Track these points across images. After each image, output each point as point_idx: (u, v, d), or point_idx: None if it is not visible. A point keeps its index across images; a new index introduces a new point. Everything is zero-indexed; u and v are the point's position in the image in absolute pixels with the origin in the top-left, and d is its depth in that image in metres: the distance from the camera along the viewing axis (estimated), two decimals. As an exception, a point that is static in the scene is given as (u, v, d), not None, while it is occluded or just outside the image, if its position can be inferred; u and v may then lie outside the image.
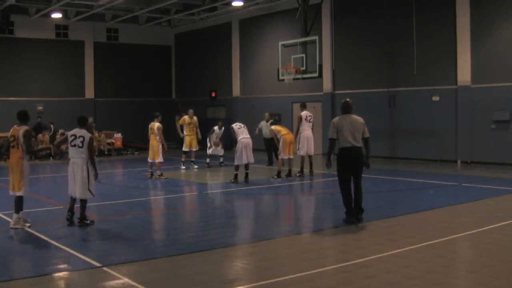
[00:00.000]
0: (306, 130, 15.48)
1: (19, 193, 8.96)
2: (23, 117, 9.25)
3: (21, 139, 8.92)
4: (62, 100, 27.19)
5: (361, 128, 9.15)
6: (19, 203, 8.98)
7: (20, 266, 7.05)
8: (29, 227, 8.93)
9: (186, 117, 18.50)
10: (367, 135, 9.19)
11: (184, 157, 18.45)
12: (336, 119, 9.29)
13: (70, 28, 27.70)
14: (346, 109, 9.31)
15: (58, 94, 27.23)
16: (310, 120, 15.65)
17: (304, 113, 15.59)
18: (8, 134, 9.29)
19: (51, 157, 22.67)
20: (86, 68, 28.43)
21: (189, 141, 18.29)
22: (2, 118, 24.71)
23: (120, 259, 6.97)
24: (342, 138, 9.05)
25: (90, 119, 24.50)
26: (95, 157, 9.41)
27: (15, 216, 8.96)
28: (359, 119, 9.27)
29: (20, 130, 9.00)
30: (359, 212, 9.18)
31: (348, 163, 9.11)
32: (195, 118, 18.59)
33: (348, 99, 9.54)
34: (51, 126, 24.57)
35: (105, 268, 6.56)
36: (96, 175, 9.26)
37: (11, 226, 8.94)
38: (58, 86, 27.40)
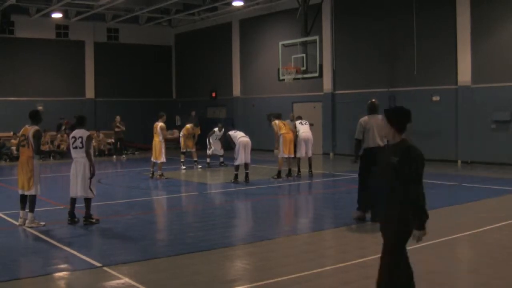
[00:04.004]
0: (304, 133, 15.51)
1: (30, 192, 9.00)
2: (33, 117, 9.26)
3: (31, 139, 8.97)
4: (62, 100, 27.20)
5: None
6: (32, 202, 9.03)
7: (20, 266, 7.05)
8: (43, 225, 9.00)
9: (189, 127, 18.49)
10: None
11: (183, 158, 18.47)
12: (364, 119, 9.28)
13: (70, 28, 27.71)
14: (373, 109, 9.37)
15: (58, 94, 27.24)
16: (305, 124, 15.74)
17: (297, 121, 15.77)
18: (19, 133, 9.37)
19: (51, 157, 22.68)
20: (87, 68, 28.44)
21: (184, 142, 18.38)
22: (2, 118, 24.78)
23: (120, 259, 6.98)
24: (369, 138, 9.08)
25: (193, 113, 24.08)
26: (92, 154, 9.42)
27: (30, 215, 9.01)
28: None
29: (30, 130, 9.04)
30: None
31: (372, 163, 9.13)
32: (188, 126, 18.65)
33: (374, 100, 9.60)
34: (62, 127, 24.55)
35: (105, 268, 6.57)
36: (93, 173, 9.20)
37: (26, 225, 8.97)
38: (58, 86, 27.41)
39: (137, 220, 9.93)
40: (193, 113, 23.64)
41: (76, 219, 9.30)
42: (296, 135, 15.42)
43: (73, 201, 9.33)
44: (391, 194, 4.49)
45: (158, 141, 15.54)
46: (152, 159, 15.84)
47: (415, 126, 19.60)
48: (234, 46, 27.32)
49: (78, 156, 9.22)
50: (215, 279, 6.24)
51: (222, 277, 6.39)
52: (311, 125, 16.21)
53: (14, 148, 21.84)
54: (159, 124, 15.59)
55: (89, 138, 9.28)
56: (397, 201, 4.44)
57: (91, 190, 9.22)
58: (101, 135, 24.96)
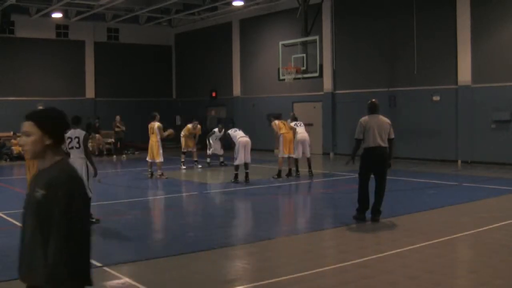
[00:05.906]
0: (300, 134, 15.54)
1: None
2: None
3: None
4: (63, 100, 27.09)
5: (388, 129, 9.22)
6: None
7: (20, 266, 7.05)
8: None
9: (190, 127, 18.50)
10: (392, 136, 9.27)
11: (183, 157, 18.49)
12: (364, 119, 9.27)
13: (70, 28, 27.69)
14: (374, 109, 9.36)
15: (58, 94, 27.18)
16: (300, 125, 15.79)
17: (292, 123, 15.81)
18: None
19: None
20: (87, 68, 28.42)
21: (185, 141, 18.40)
22: (2, 118, 24.77)
23: (120, 259, 6.98)
24: (369, 138, 9.07)
25: (212, 112, 24.56)
26: (91, 154, 9.41)
27: None
28: (386, 119, 9.35)
29: None
30: (377, 213, 9.22)
31: (373, 163, 9.17)
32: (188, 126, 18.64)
33: (374, 100, 9.60)
34: None
35: (105, 268, 6.56)
36: (95, 173, 9.27)
37: None
38: (58, 86, 27.39)
39: (137, 220, 9.93)
40: (213, 112, 24.22)
41: None
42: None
43: None
44: (36, 246, 2.62)
45: (155, 141, 15.54)
46: (148, 159, 15.85)
47: (415, 126, 19.72)
48: (234, 46, 27.32)
49: (76, 157, 9.17)
50: (215, 279, 6.24)
51: (222, 277, 6.38)
52: (310, 125, 16.24)
53: (14, 148, 21.90)
54: (156, 124, 15.58)
55: (86, 138, 9.24)
56: (42, 259, 2.57)
57: (89, 189, 9.23)
58: (97, 136, 24.85)
